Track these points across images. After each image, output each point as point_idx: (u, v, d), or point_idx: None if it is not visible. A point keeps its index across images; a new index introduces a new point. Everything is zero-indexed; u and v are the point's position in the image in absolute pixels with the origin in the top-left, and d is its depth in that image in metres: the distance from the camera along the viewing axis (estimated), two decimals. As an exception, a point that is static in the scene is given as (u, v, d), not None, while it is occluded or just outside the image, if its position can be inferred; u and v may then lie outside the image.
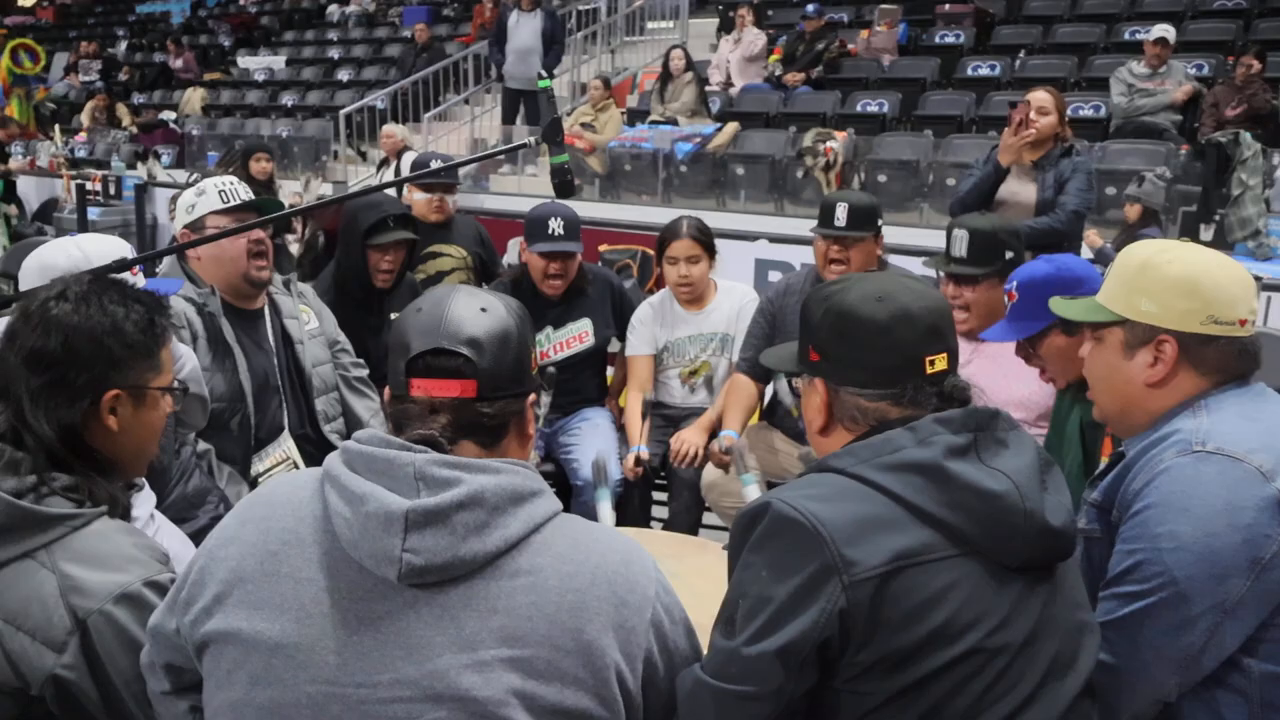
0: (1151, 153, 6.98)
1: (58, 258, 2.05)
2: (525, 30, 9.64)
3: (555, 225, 3.27)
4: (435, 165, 4.18)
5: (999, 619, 1.27)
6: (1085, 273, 2.13)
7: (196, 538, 2.12)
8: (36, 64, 11.61)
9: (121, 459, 1.50)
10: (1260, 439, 1.46)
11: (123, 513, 1.46)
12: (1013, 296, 2.19)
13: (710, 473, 3.16)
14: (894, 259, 3.42)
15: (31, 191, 9.90)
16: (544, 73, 2.45)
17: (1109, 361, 1.62)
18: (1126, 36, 8.65)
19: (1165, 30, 7.42)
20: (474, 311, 1.26)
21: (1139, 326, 1.57)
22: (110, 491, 1.43)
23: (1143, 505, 1.47)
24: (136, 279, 2.14)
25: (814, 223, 3.12)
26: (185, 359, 2.33)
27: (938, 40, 9.61)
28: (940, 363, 1.36)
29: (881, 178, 7.72)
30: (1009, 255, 2.61)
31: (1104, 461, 1.87)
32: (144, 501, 2.06)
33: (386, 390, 1.29)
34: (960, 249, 2.64)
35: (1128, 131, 7.36)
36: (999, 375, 2.52)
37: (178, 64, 14.36)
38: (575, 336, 3.45)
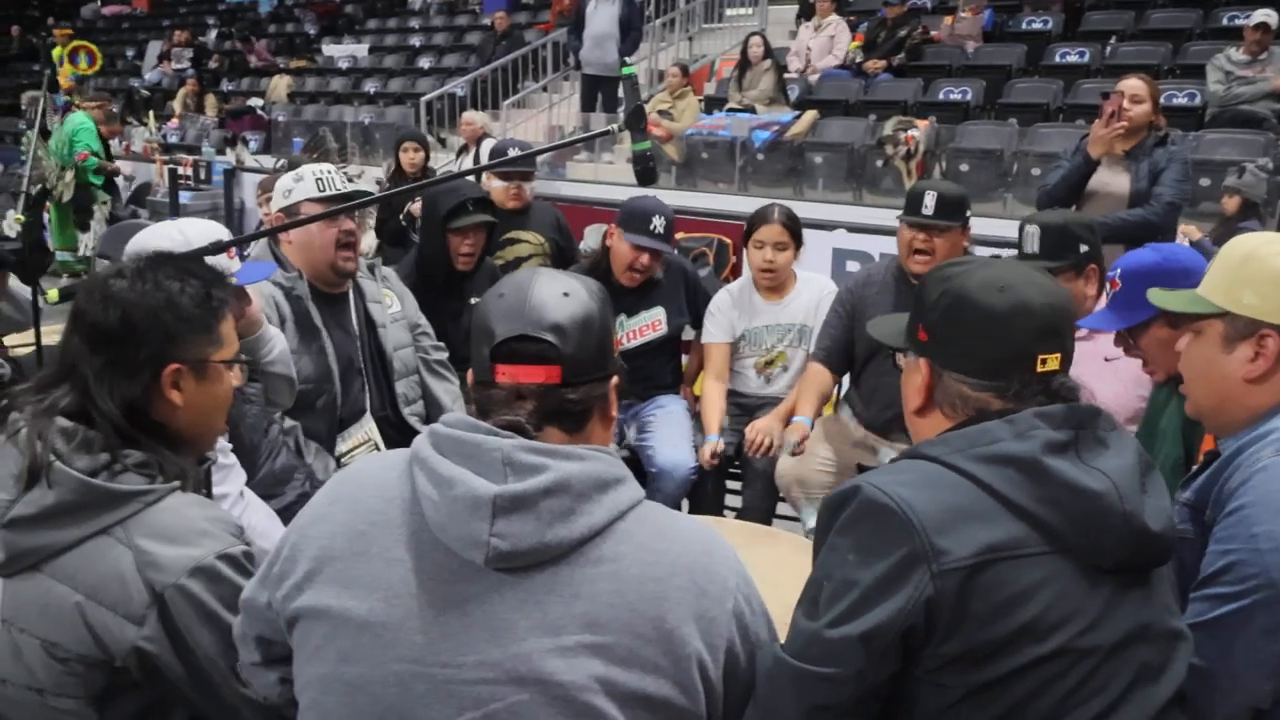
0: (1249, 143, 6.72)
1: (160, 241, 2.11)
2: (603, 16, 9.64)
3: (658, 223, 3.29)
4: (513, 153, 4.22)
5: (1089, 620, 1.24)
6: (1193, 263, 2.05)
7: (284, 514, 2.20)
8: (93, 66, 11.98)
9: (188, 433, 1.51)
10: None
11: (195, 486, 1.48)
12: (1115, 285, 2.13)
13: (785, 462, 3.15)
14: (977, 251, 3.35)
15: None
16: (628, 60, 2.44)
17: (1207, 355, 1.57)
18: (1224, 22, 8.32)
19: (1267, 15, 7.11)
20: (557, 296, 1.26)
21: (1240, 320, 1.52)
22: (181, 466, 1.45)
23: (1238, 505, 1.43)
24: (232, 262, 2.20)
25: (893, 212, 3.08)
26: (275, 341, 2.39)
27: (1024, 26, 9.36)
28: (1053, 363, 1.33)
29: (964, 167, 7.56)
30: (1083, 249, 2.55)
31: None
32: (235, 479, 2.12)
33: (470, 374, 1.30)
34: (1032, 245, 2.58)
35: (1224, 121, 7.09)
36: (1086, 376, 2.44)
37: (254, 57, 14.73)
38: (649, 324, 3.46)
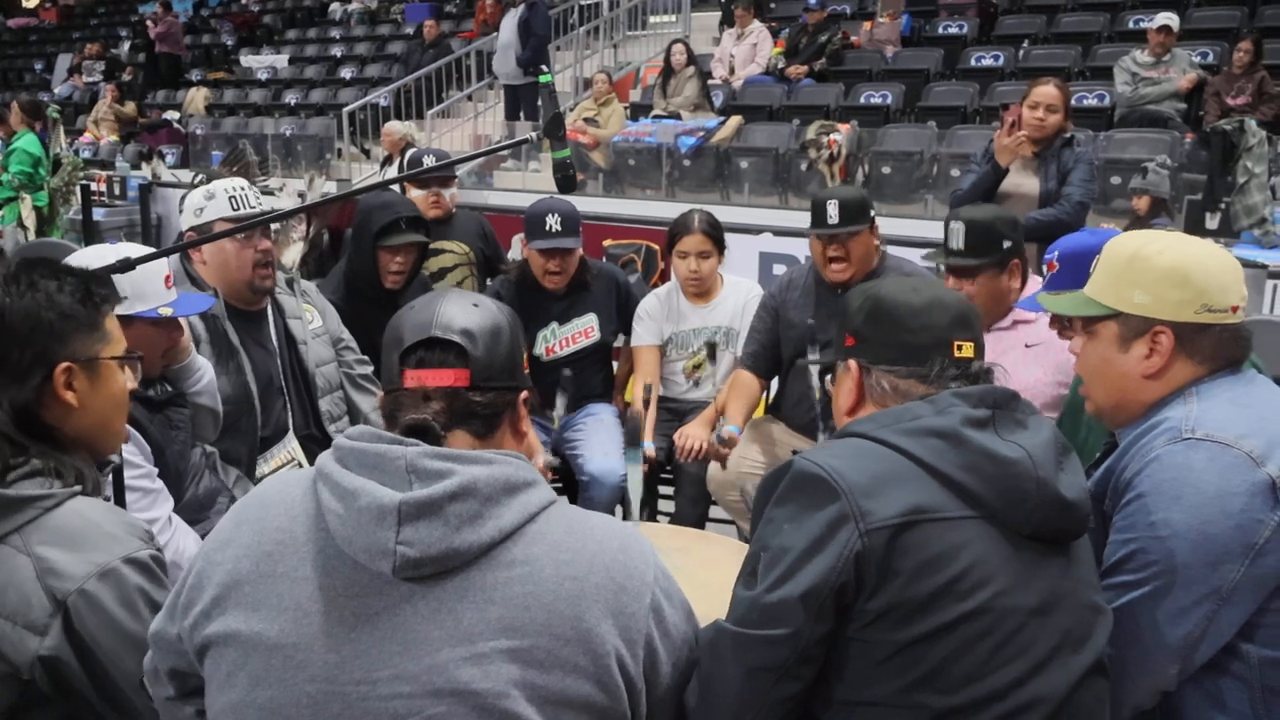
0: (1156, 141, 6.96)
1: (97, 263, 2.04)
2: (507, 25, 9.61)
3: (552, 222, 3.27)
4: (428, 161, 4.17)
5: (1009, 581, 1.31)
6: None
7: (207, 538, 2.13)
8: None
9: (84, 436, 1.47)
10: (1250, 424, 1.46)
11: (94, 489, 1.43)
12: (1053, 266, 2.18)
13: (716, 466, 3.17)
14: (898, 251, 3.41)
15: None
16: (545, 69, 2.44)
17: (1104, 355, 1.61)
18: (1130, 25, 8.63)
19: (1169, 18, 7.39)
20: (466, 307, 1.28)
21: (1133, 319, 1.57)
22: (78, 468, 1.41)
23: (1134, 494, 1.48)
24: (170, 292, 2.13)
25: (819, 216, 3.11)
26: (204, 371, 2.33)
27: (941, 31, 9.59)
28: (968, 350, 1.44)
29: (885, 169, 7.71)
30: (1006, 245, 2.61)
31: None
32: (162, 504, 2.06)
33: (381, 395, 1.30)
34: (958, 241, 2.62)
35: (1132, 121, 7.34)
36: (1007, 364, 2.51)
37: (160, 29, 14.16)
38: (580, 332, 3.46)
